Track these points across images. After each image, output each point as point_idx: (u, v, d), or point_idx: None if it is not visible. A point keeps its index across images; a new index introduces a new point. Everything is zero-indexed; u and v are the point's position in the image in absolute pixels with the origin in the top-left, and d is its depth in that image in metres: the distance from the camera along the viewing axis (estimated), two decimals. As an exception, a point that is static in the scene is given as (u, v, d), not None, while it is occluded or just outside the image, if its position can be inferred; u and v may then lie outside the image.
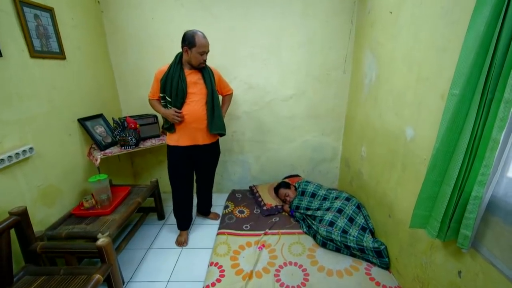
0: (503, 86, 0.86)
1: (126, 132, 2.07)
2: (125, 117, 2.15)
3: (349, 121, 2.47)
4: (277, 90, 2.50)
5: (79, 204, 1.83)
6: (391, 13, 1.67)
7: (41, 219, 1.63)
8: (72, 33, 1.95)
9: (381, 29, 1.81)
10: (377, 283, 1.56)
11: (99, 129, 2.11)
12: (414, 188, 1.44)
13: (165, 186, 2.84)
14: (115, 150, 2.05)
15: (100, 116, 2.19)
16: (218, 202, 2.64)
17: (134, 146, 2.10)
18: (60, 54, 1.82)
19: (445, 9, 1.20)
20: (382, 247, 1.70)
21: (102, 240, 1.39)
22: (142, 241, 2.09)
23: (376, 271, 1.66)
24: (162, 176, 2.83)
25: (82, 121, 1.98)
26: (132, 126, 2.08)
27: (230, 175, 2.82)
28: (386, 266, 1.68)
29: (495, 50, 0.88)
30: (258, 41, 2.37)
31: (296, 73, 2.45)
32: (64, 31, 1.85)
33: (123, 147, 2.08)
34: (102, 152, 2.00)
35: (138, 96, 2.54)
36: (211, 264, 1.74)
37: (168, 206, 2.59)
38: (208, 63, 2.59)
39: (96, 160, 1.94)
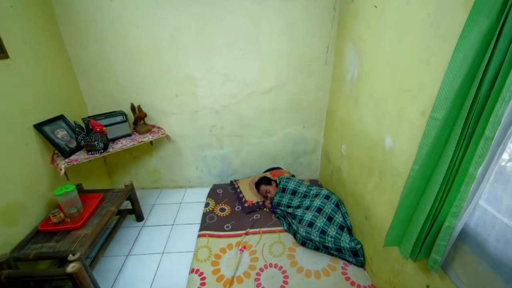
0: (485, 123, 0.82)
1: (91, 136, 1.90)
2: (89, 119, 1.96)
3: (330, 115, 2.41)
4: (257, 83, 2.35)
5: (46, 219, 1.72)
6: (376, 7, 1.53)
7: (5, 240, 1.52)
8: (14, 25, 1.66)
9: (364, 23, 1.68)
10: (352, 283, 1.64)
11: (61, 133, 1.92)
12: (390, 197, 1.45)
13: (143, 182, 2.76)
14: (81, 157, 1.90)
15: (60, 118, 1.98)
16: (199, 198, 2.61)
17: (102, 151, 1.95)
18: (1, 53, 1.56)
19: (432, 18, 1.09)
20: (358, 246, 1.77)
21: (72, 266, 1.33)
22: (121, 246, 2.05)
23: (352, 270, 1.73)
24: (139, 172, 2.72)
25: (39, 127, 1.78)
26: (98, 129, 1.91)
27: (210, 169, 2.75)
28: (362, 265, 1.76)
29: (481, 83, 0.82)
30: (234, 28, 2.15)
31: (276, 63, 2.29)
32: (3, 24, 1.57)
33: (90, 153, 1.93)
34: (67, 160, 1.85)
35: (104, 91, 2.31)
36: (191, 271, 1.75)
37: (147, 205, 2.53)
38: (179, 52, 2.31)
39: (61, 169, 1.79)
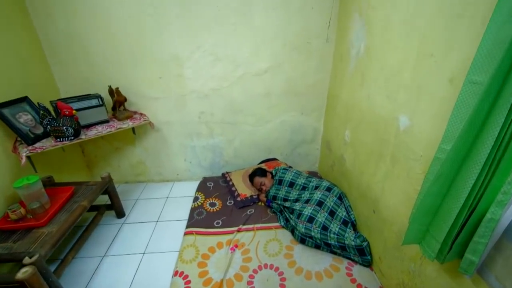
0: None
1: (59, 120, 1.65)
2: (56, 101, 1.70)
3: (332, 99, 2.18)
4: (250, 63, 2.11)
5: (4, 215, 1.47)
6: (388, -36, 1.30)
7: (-52, 241, 1.28)
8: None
9: (374, -14, 1.45)
10: (359, 286, 1.43)
11: (24, 117, 1.67)
12: (404, 186, 1.24)
13: (127, 175, 2.52)
14: (47, 144, 1.65)
15: (24, 100, 1.73)
16: (187, 192, 2.38)
17: (72, 138, 1.70)
18: None
19: (467, -42, 0.87)
20: (365, 243, 1.56)
21: (23, 272, 1.10)
22: (97, 246, 1.81)
23: (357, 271, 1.52)
24: (122, 165, 2.48)
25: (-5, 109, 1.53)
26: (67, 112, 1.66)
27: (200, 161, 2.52)
28: (368, 264, 1.56)
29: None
30: None
31: (271, 41, 2.05)
32: None
33: (59, 140, 1.68)
34: (30, 148, 1.60)
35: (78, 72, 2.05)
36: (175, 273, 1.53)
37: (130, 200, 2.29)
38: (162, 28, 2.05)
39: (22, 158, 1.54)
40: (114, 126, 1.92)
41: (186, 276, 1.50)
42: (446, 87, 0.97)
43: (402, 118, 1.24)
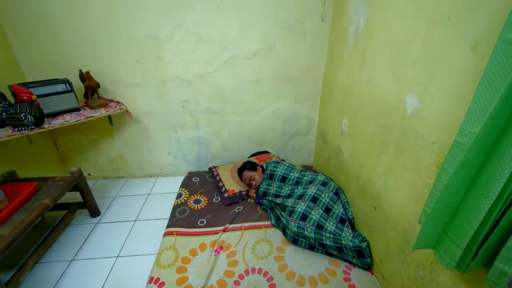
0: None
1: (16, 107, 1.44)
2: (12, 85, 1.49)
3: (328, 85, 1.99)
4: (237, 45, 1.91)
5: None
6: None
7: None
8: None
9: (376, -51, 1.26)
10: (358, 293, 1.27)
11: (-24, 104, 1.45)
12: (411, 179, 1.06)
13: (106, 170, 2.32)
14: (2, 134, 1.44)
15: (-23, 84, 1.51)
16: (171, 189, 2.18)
17: (33, 127, 1.49)
18: None
19: None
20: (364, 244, 1.39)
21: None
22: (65, 249, 1.62)
23: (356, 275, 1.36)
24: (99, 159, 2.27)
25: None
26: (25, 97, 1.45)
27: (185, 154, 2.32)
28: (368, 267, 1.39)
29: None
30: (207, -28, 1.70)
31: (260, 20, 1.85)
32: None
33: (17, 129, 1.47)
34: (-19, 138, 1.39)
35: (44, 54, 1.84)
36: (150, 280, 1.34)
37: (108, 197, 2.09)
38: (137, 3, 1.90)
39: (-30, 150, 1.33)
40: (84, 115, 1.71)
41: (162, 284, 1.32)
42: (467, 56, 0.79)
43: (409, 99, 1.05)
